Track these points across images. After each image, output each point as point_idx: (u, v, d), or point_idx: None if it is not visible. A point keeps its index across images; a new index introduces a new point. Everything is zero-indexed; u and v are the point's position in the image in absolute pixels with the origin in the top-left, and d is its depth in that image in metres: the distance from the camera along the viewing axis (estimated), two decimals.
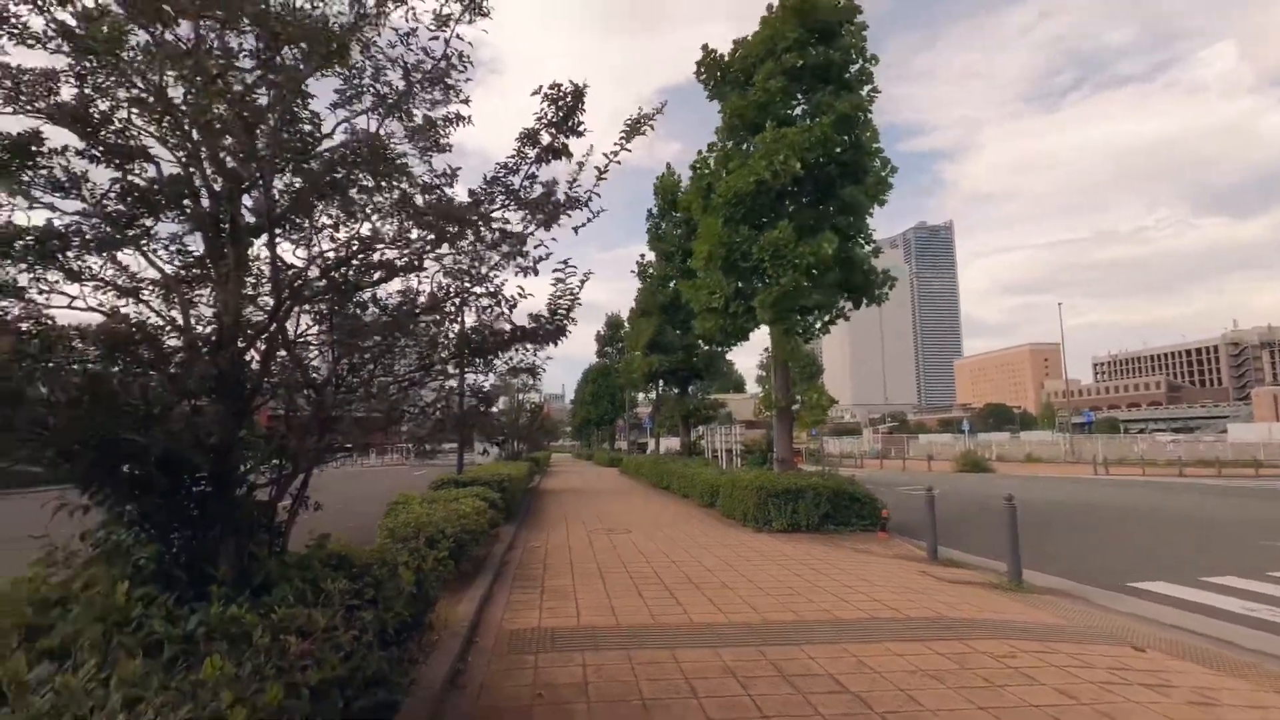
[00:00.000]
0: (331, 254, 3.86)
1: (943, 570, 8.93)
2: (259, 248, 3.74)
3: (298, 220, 3.77)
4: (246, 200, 3.60)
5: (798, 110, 14.60)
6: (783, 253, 13.09)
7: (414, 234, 3.95)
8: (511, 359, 4.30)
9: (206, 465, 3.15)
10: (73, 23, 3.33)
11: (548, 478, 31.30)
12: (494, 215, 3.92)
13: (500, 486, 12.16)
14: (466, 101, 4.18)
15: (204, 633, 2.47)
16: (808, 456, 35.63)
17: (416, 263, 3.94)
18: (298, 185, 3.65)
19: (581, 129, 3.92)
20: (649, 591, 7.40)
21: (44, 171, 3.50)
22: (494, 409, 5.06)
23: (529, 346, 4.18)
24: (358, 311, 3.96)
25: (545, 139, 3.91)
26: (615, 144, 3.94)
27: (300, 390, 3.83)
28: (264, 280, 3.81)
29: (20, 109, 3.44)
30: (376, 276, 3.91)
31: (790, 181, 13.44)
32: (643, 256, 27.85)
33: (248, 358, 3.49)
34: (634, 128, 3.96)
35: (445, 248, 3.98)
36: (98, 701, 1.85)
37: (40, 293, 3.42)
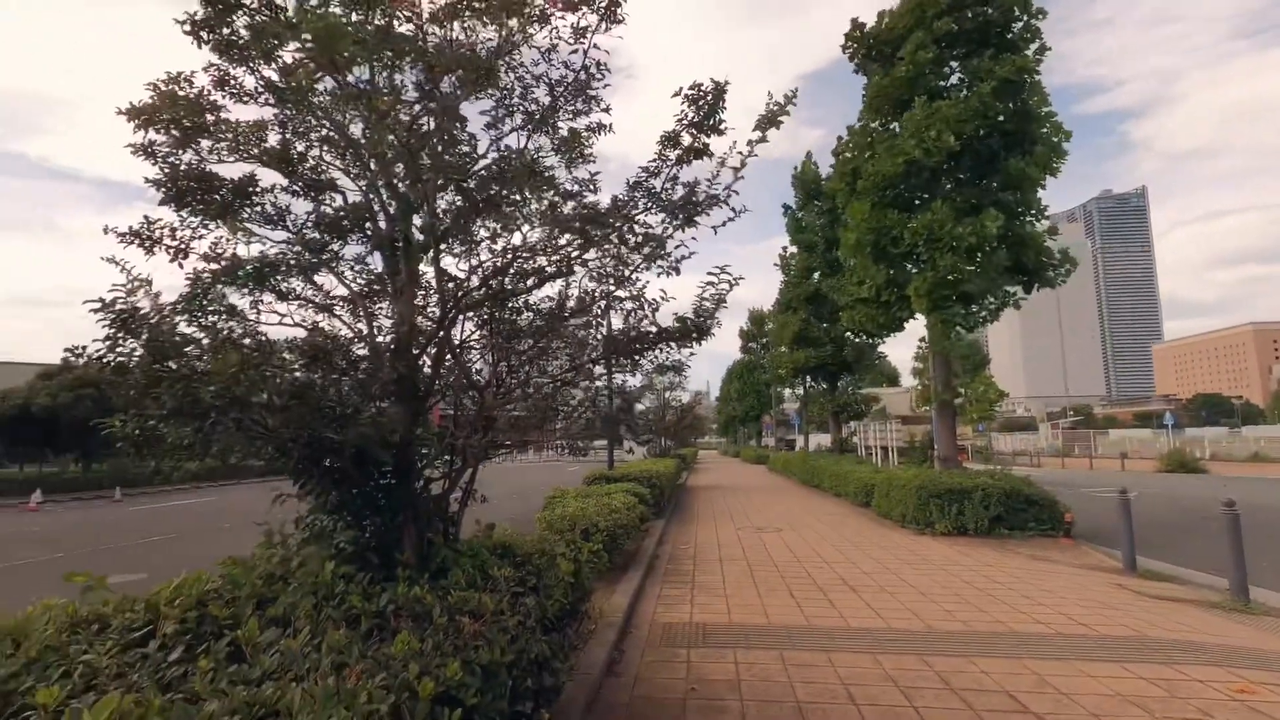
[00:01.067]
0: (489, 264, 4.15)
1: (1142, 584, 7.87)
2: (427, 263, 4.11)
3: (459, 235, 4.09)
4: (416, 220, 3.97)
5: (952, 80, 13.53)
6: (938, 235, 12.21)
7: (562, 241, 4.15)
8: (657, 358, 4.38)
9: (390, 460, 3.52)
10: (275, 78, 3.86)
11: (695, 474, 31.52)
12: (636, 219, 4.01)
13: (650, 482, 12.43)
14: (607, 110, 4.31)
15: (393, 609, 2.76)
16: (974, 454, 32.94)
17: (565, 269, 4.12)
18: (458, 204, 3.97)
19: (723, 127, 3.89)
20: (801, 592, 7.22)
21: (258, 208, 4.08)
22: (639, 407, 5.18)
23: (673, 346, 4.23)
24: (514, 317, 4.22)
25: (686, 140, 3.93)
26: (749, 140, 3.88)
27: (465, 391, 4.16)
28: (432, 292, 4.17)
29: (239, 157, 4.05)
30: (530, 283, 4.15)
31: (945, 159, 12.49)
32: (784, 249, 27.19)
33: (421, 363, 3.84)
34: (768, 121, 3.88)
35: (591, 253, 4.13)
36: (312, 664, 2.13)
37: (257, 312, 3.98)
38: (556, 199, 4.21)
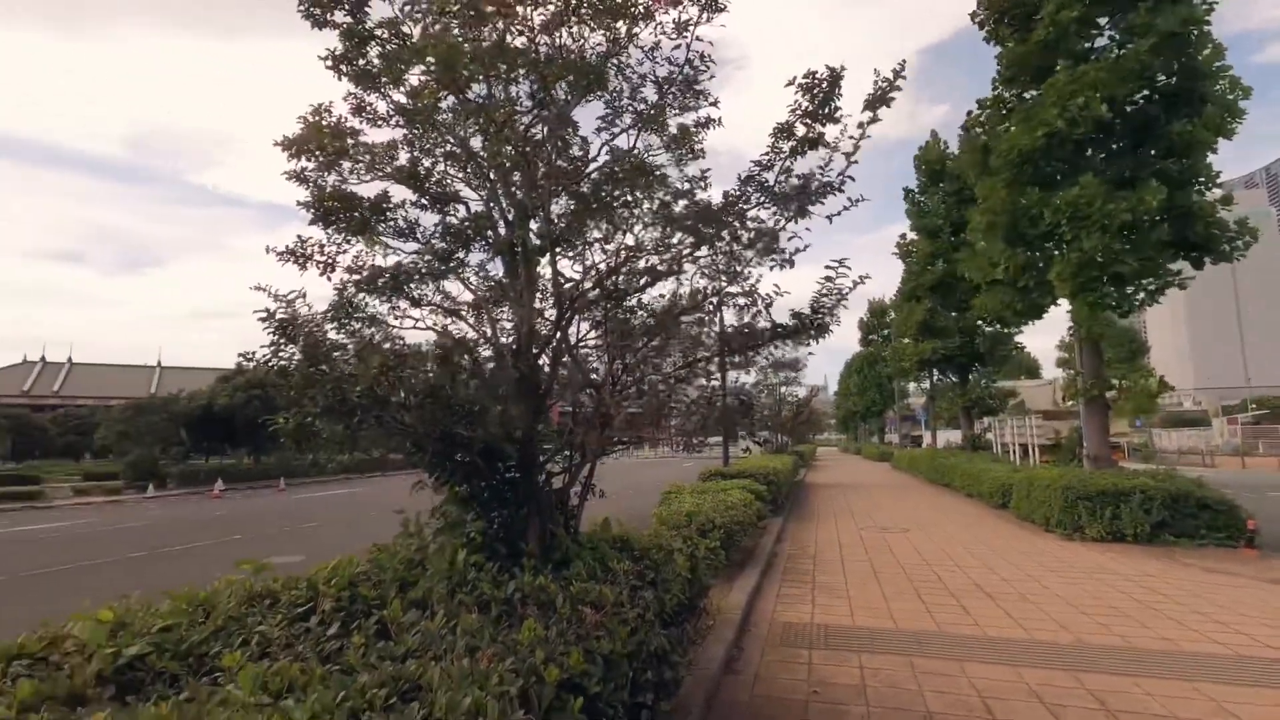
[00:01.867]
0: (603, 265, 4.25)
1: None
2: (544, 266, 4.27)
3: (573, 238, 4.21)
4: (533, 226, 4.14)
5: (1099, 41, 12.23)
6: (1085, 213, 11.09)
7: (674, 239, 4.17)
8: (772, 354, 4.31)
9: (514, 455, 3.70)
10: (404, 100, 4.16)
11: (813, 472, 30.67)
12: (749, 214, 3.96)
13: (766, 479, 12.24)
14: (715, 104, 4.28)
15: (519, 597, 2.90)
16: (1131, 453, 29.74)
17: (677, 267, 4.14)
18: (572, 207, 4.09)
19: (839, 115, 3.75)
20: (931, 597, 6.84)
21: (391, 223, 4.42)
22: (753, 404, 5.10)
23: (789, 342, 4.14)
24: (627, 316, 4.30)
25: (800, 130, 3.83)
26: (860, 122, 3.71)
27: (582, 389, 4.29)
28: (549, 294, 4.33)
29: (374, 176, 4.40)
30: (642, 282, 4.20)
31: (1093, 128, 11.33)
32: (904, 236, 25.80)
33: (540, 363, 4.00)
34: (878, 99, 3.68)
35: (703, 250, 4.13)
36: (448, 645, 2.28)
37: (394, 318, 4.31)
38: (668, 197, 4.24)
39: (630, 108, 4.22)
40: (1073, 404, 13.72)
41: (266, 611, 2.58)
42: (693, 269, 4.22)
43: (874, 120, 3.69)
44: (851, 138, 3.71)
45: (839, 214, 3.89)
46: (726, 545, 7.00)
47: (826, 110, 3.74)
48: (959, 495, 17.70)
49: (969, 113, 14.52)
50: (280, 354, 3.34)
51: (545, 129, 4.05)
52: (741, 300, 4.11)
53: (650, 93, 4.20)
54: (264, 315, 3.31)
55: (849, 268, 3.86)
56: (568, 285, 4.18)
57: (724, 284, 4.16)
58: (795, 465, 22.15)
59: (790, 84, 3.75)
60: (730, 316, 4.32)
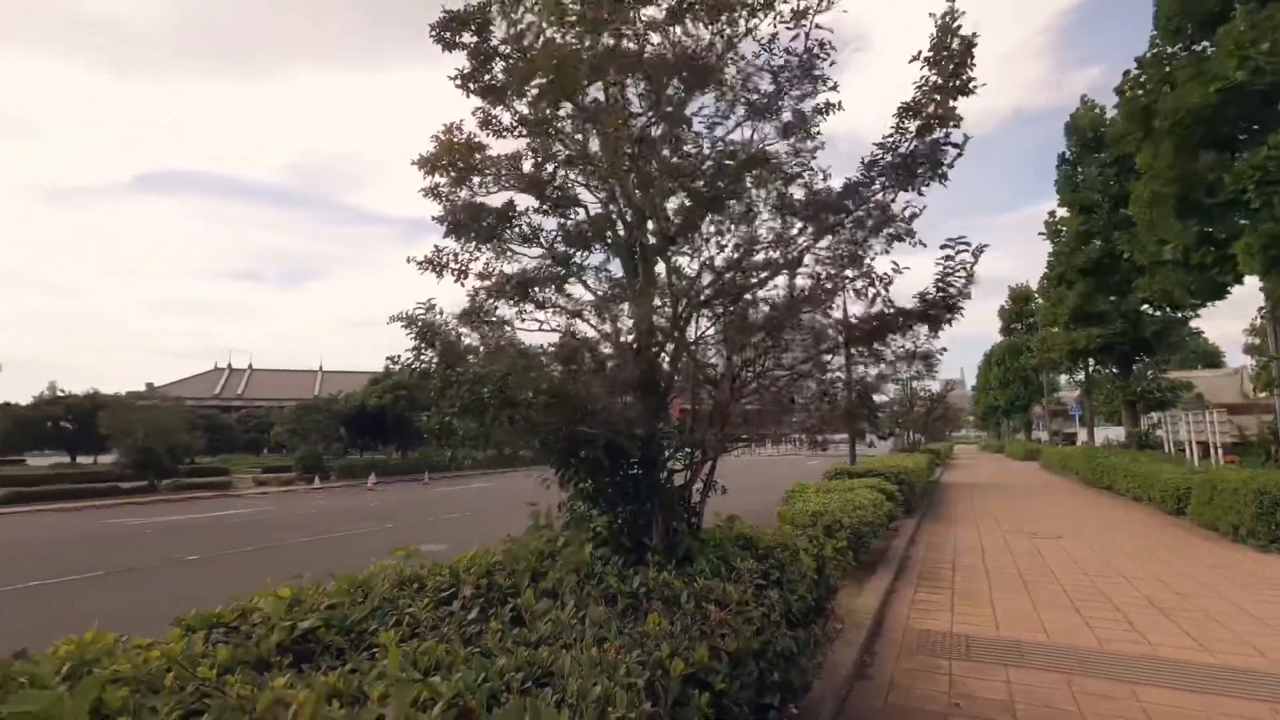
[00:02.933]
0: (719, 260, 4.22)
1: None
2: (662, 264, 4.31)
3: (689, 235, 4.22)
4: (649, 225, 4.19)
5: None
6: (1276, 176, 9.62)
7: (793, 230, 4.07)
8: (902, 346, 4.09)
9: (636, 452, 3.76)
10: (526, 111, 4.35)
11: (950, 471, 28.79)
12: (872, 199, 3.79)
13: (897, 479, 11.65)
14: (834, 88, 4.13)
15: (644, 591, 2.95)
16: None
17: (796, 259, 4.04)
18: (687, 204, 4.10)
19: (972, 86, 3.51)
20: (1090, 610, 6.21)
21: (516, 229, 4.63)
22: (880, 398, 4.87)
23: (917, 330, 3.91)
24: (745, 310, 4.25)
25: (928, 107, 3.61)
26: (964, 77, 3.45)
27: (702, 386, 4.28)
28: (668, 291, 4.37)
29: (501, 186, 4.63)
30: (761, 276, 4.14)
31: None
32: (1051, 214, 23.56)
33: (660, 360, 4.04)
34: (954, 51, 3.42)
35: (825, 240, 4.00)
36: (578, 634, 2.37)
37: (521, 320, 4.52)
38: (785, 188, 4.14)
39: (744, 99, 4.16)
40: (1267, 396, 11.92)
41: (415, 595, 2.80)
42: (812, 259, 4.10)
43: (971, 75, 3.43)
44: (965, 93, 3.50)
45: (951, 165, 3.67)
46: (855, 546, 6.74)
47: (957, 83, 3.49)
48: (1122, 499, 15.94)
49: (1125, 73, 13.03)
50: (421, 357, 3.61)
51: (659, 128, 4.08)
52: (859, 283, 3.93)
53: (764, 82, 4.12)
54: (406, 321, 3.59)
55: (968, 243, 3.60)
56: (685, 282, 4.19)
57: (844, 271, 4.01)
58: (930, 464, 20.89)
59: (915, 59, 3.54)
60: (853, 306, 4.15)
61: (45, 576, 9.56)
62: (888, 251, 3.89)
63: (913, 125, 3.66)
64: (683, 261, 4.36)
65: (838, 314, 4.28)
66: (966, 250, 3.64)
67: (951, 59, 3.46)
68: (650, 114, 4.15)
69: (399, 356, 3.63)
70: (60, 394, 35.87)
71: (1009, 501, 16.12)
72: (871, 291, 3.85)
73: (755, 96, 4.14)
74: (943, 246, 3.67)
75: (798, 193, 4.12)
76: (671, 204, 4.16)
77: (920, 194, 3.74)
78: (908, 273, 3.82)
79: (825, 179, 4.08)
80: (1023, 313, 43.29)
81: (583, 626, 2.45)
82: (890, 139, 3.72)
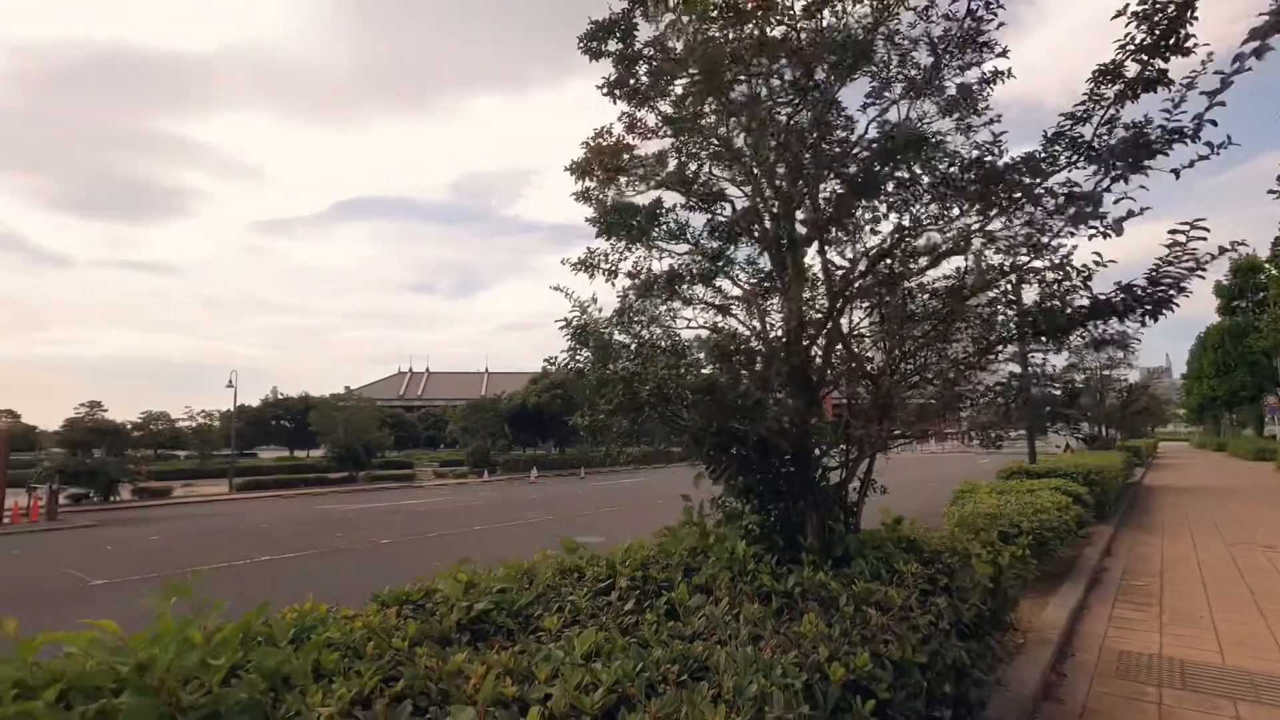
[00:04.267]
0: (875, 248, 4.01)
1: None
2: (813, 255, 4.17)
3: (842, 223, 4.05)
4: (799, 215, 4.07)
5: None
6: None
7: (955, 212, 3.77)
8: (1089, 332, 3.63)
9: (788, 448, 3.67)
10: (670, 111, 4.40)
11: (1154, 472, 25.22)
12: (1056, 176, 3.39)
13: (1087, 479, 10.39)
14: (1004, 54, 3.77)
15: (800, 591, 2.87)
16: None
17: (963, 243, 3.74)
18: (839, 191, 3.93)
19: (1190, 44, 2.98)
20: None
21: (664, 227, 4.70)
22: (1077, 393, 4.35)
23: (1111, 321, 3.45)
24: (905, 300, 4.00)
25: (1131, 69, 3.15)
26: (1239, 53, 2.82)
27: (858, 380, 4.09)
28: (819, 283, 4.22)
29: (648, 186, 4.73)
30: (922, 263, 3.87)
31: None
32: None
33: (812, 354, 3.92)
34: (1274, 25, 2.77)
35: (996, 223, 3.66)
36: (732, 631, 2.36)
37: (670, 318, 4.58)
38: (948, 167, 3.83)
39: (900, 75, 3.92)
40: None
41: (575, 584, 2.93)
42: (981, 243, 3.76)
43: (1262, 49, 2.78)
44: (1219, 73, 2.87)
45: (1190, 166, 3.07)
46: (1037, 554, 6.10)
47: (1172, 41, 3.00)
48: None
49: None
50: (576, 357, 3.78)
51: (808, 115, 3.95)
52: (1048, 275, 3.51)
53: (923, 56, 3.85)
54: (562, 323, 3.78)
55: (1206, 228, 3.03)
56: (838, 272, 4.03)
57: (1024, 257, 3.63)
58: (1128, 463, 18.42)
59: (1119, 15, 3.08)
60: (1032, 294, 3.74)
61: (275, 553, 11.20)
62: (1073, 233, 3.43)
63: (1110, 91, 3.22)
64: (835, 251, 4.20)
65: (1015, 303, 3.90)
66: (1203, 236, 3.06)
67: (1166, 11, 2.97)
68: (798, 102, 4.03)
69: (555, 357, 3.83)
70: (280, 397, 41.87)
71: (1233, 508, 13.79)
72: (1064, 285, 3.41)
73: (913, 73, 3.88)
74: (1173, 231, 3.13)
75: (963, 172, 3.80)
76: (823, 192, 4.01)
77: (1141, 185, 3.20)
78: (1103, 250, 3.36)
79: (997, 152, 3.71)
80: (1247, 287, 36.90)
81: (737, 624, 2.43)
82: (1081, 107, 3.30)
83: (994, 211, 3.54)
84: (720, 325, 4.47)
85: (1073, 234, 3.40)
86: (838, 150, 3.86)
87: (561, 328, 3.77)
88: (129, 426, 25.88)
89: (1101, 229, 3.20)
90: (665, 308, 4.54)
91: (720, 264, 4.53)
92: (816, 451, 3.84)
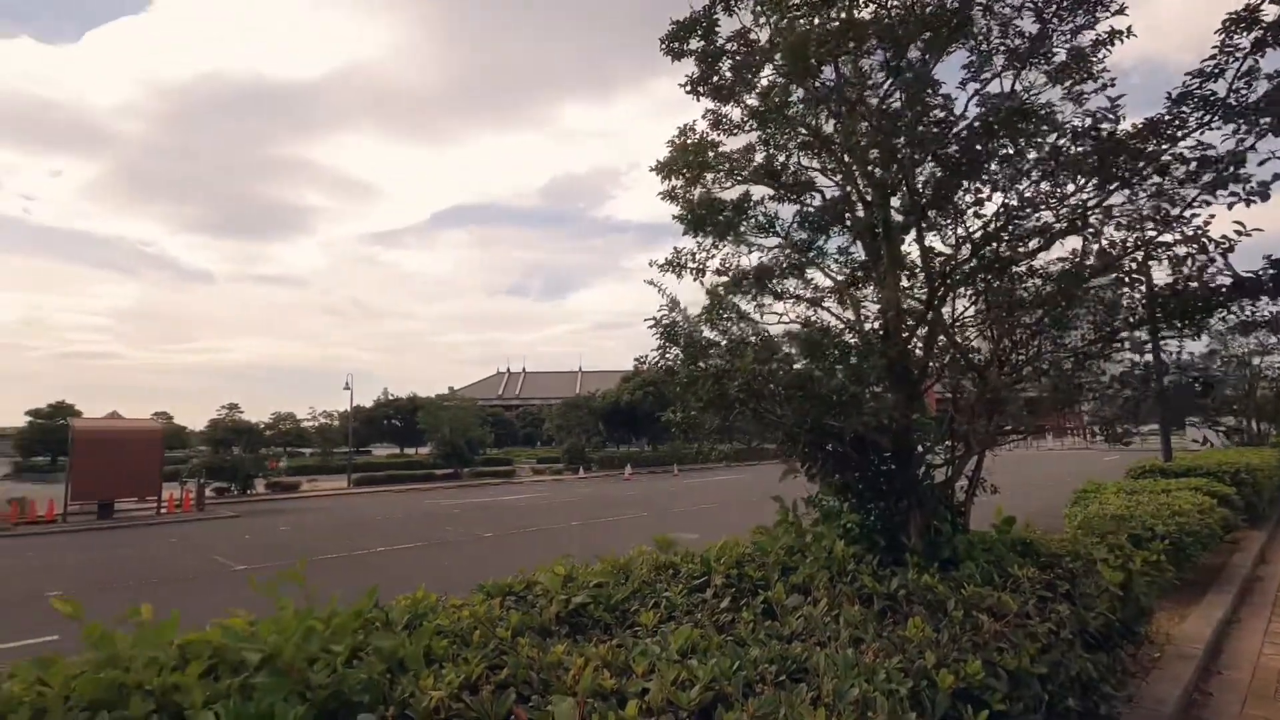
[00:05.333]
0: (979, 232, 3.79)
1: None
2: (910, 242, 3.99)
3: (942, 207, 3.85)
4: (894, 202, 3.90)
5: None
6: None
7: (1070, 188, 3.50)
8: (1236, 314, 3.27)
9: (887, 445, 3.53)
10: (755, 103, 4.33)
11: None
12: (1185, 140, 3.08)
13: (1235, 479, 9.36)
14: (1121, 10, 3.46)
15: (904, 594, 2.76)
16: None
17: (1079, 221, 3.46)
18: (938, 174, 3.74)
19: None
20: None
21: (751, 221, 4.63)
22: (1214, 384, 3.93)
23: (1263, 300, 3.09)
24: (1013, 286, 3.75)
25: (1271, 13, 2.82)
26: None
27: (963, 373, 3.88)
28: (918, 271, 4.03)
29: (734, 181, 4.67)
30: (1032, 245, 3.62)
31: None
32: None
33: (911, 345, 3.75)
34: None
35: (1116, 196, 3.37)
36: (832, 633, 2.30)
37: (760, 313, 4.51)
38: (1061, 141, 3.56)
39: (1001, 46, 3.68)
40: None
41: (670, 580, 2.95)
42: (1100, 220, 3.47)
43: None
44: None
45: None
46: (1174, 560, 5.56)
47: None
48: None
49: None
50: (666, 355, 3.79)
51: (901, 97, 3.78)
52: (1181, 250, 3.19)
53: (1027, 22, 3.60)
54: (652, 322, 3.80)
55: None
56: (938, 259, 3.83)
57: (1151, 232, 3.32)
58: None
59: None
60: (1163, 273, 3.41)
61: (389, 544, 11.94)
62: (1209, 202, 3.10)
63: (1246, 39, 2.89)
64: (935, 237, 4.00)
65: (1143, 284, 3.57)
66: None
67: None
68: (890, 83, 3.86)
69: (646, 355, 3.86)
70: (390, 398, 44.53)
71: None
72: (1201, 260, 3.10)
73: (1016, 42, 3.63)
74: None
75: (1077, 144, 3.52)
76: (920, 175, 3.83)
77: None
78: (1239, 225, 3.02)
79: (1116, 118, 3.41)
80: None
81: (836, 625, 2.37)
82: (1211, 62, 2.98)
83: (1114, 184, 3.26)
84: (812, 319, 4.36)
85: (1209, 203, 3.08)
86: (935, 131, 3.66)
87: (651, 326, 3.79)
88: (262, 426, 28.32)
89: (1244, 195, 2.89)
90: (754, 303, 4.48)
91: (811, 255, 4.41)
92: (919, 448, 3.67)
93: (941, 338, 3.86)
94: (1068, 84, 3.64)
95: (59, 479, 18.42)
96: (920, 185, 3.82)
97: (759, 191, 4.63)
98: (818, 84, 3.95)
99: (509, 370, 68.98)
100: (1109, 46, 3.56)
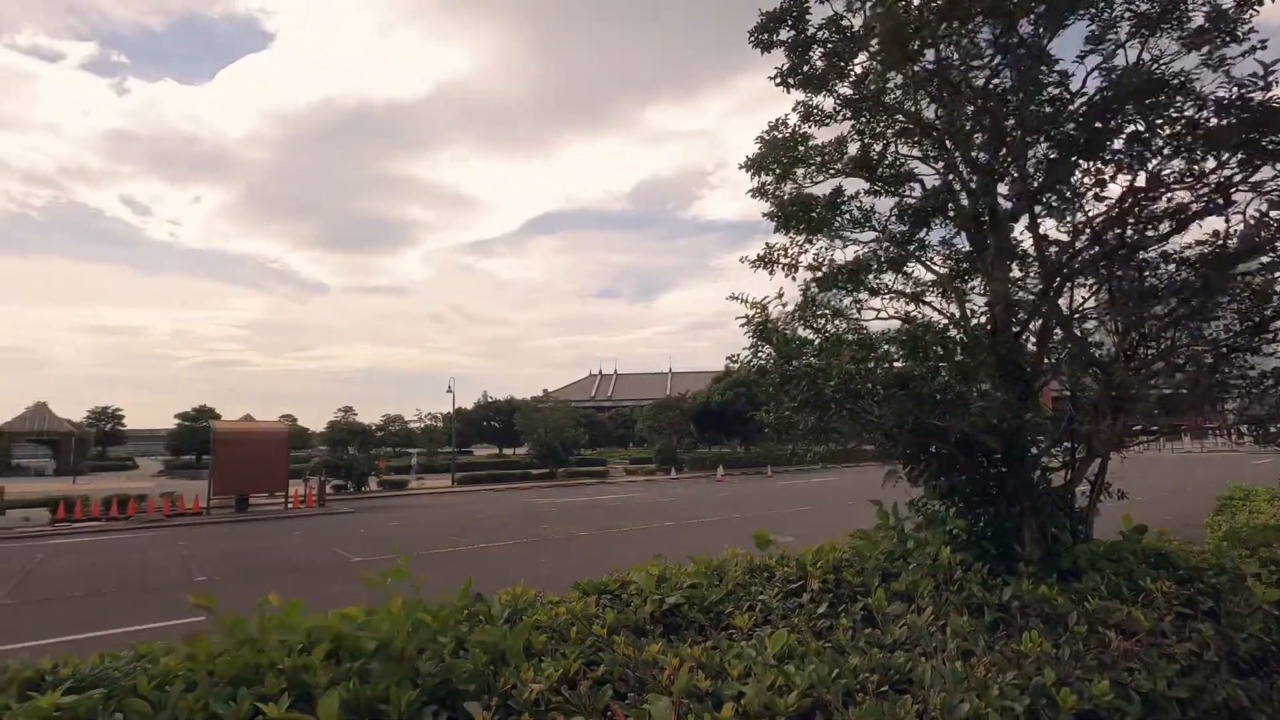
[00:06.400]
0: (1100, 217, 3.50)
1: None
2: (1020, 231, 3.74)
3: (1056, 191, 3.58)
4: (1001, 188, 3.67)
5: None
6: None
7: (1209, 165, 3.16)
8: None
9: (997, 447, 3.32)
10: (849, 92, 4.19)
11: None
12: None
13: None
14: None
15: (1017, 606, 2.58)
16: None
17: (1220, 200, 3.13)
18: (1051, 156, 3.48)
19: None
20: None
21: (846, 215, 4.49)
22: None
23: None
24: (1142, 274, 3.44)
25: None
26: None
27: (1084, 368, 3.59)
28: (1030, 261, 3.77)
29: (826, 175, 4.54)
30: (1163, 229, 3.31)
31: None
32: None
33: (1023, 340, 3.51)
34: None
35: (1265, 170, 3.02)
36: (938, 644, 2.18)
37: (857, 310, 4.35)
38: (1199, 113, 3.22)
39: (1127, 13, 3.38)
40: None
41: (765, 583, 2.90)
42: (1247, 197, 3.12)
43: None
44: None
45: None
46: None
47: None
48: None
49: None
50: (758, 354, 3.73)
51: (1010, 75, 3.55)
52: None
53: None
54: (743, 321, 3.75)
55: None
56: (1054, 247, 3.57)
57: None
58: None
59: None
60: None
61: (490, 540, 12.43)
62: None
63: None
64: (1050, 223, 3.73)
65: None
66: None
67: None
68: (998, 61, 3.63)
69: (737, 355, 3.81)
70: (489, 400, 46.40)
71: None
72: None
73: (1144, 6, 3.33)
74: None
75: (1218, 115, 3.18)
76: (1031, 158, 3.58)
77: None
78: None
79: (1266, 85, 3.05)
80: None
81: (943, 636, 2.25)
82: None
83: (1263, 159, 2.92)
84: (913, 314, 4.17)
85: None
86: (1049, 110, 3.41)
87: (742, 325, 3.74)
88: (374, 428, 30.21)
89: None
90: (850, 299, 4.33)
91: (911, 249, 4.22)
92: (1033, 450, 3.43)
93: (1058, 331, 3.59)
94: (1205, 50, 3.29)
95: (204, 475, 20.39)
96: (1032, 169, 3.58)
97: (853, 185, 4.48)
98: (917, 68, 3.78)
99: (600, 372, 70.17)
100: (1256, 5, 3.19)
